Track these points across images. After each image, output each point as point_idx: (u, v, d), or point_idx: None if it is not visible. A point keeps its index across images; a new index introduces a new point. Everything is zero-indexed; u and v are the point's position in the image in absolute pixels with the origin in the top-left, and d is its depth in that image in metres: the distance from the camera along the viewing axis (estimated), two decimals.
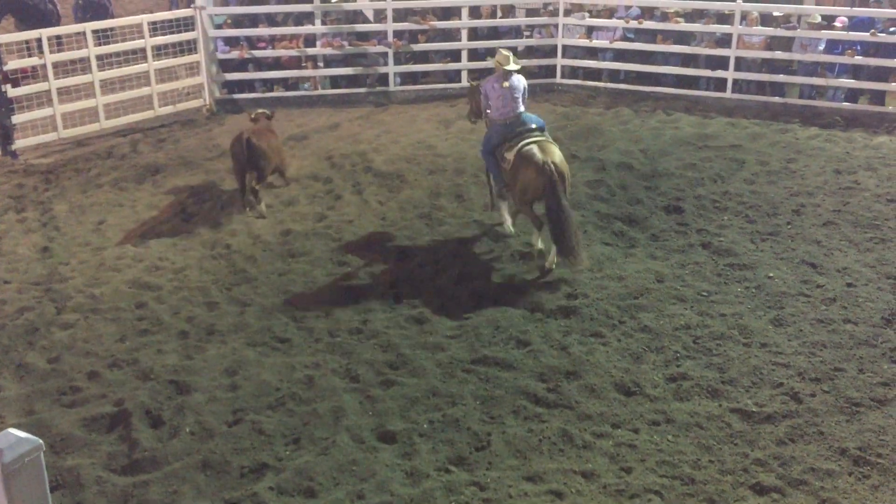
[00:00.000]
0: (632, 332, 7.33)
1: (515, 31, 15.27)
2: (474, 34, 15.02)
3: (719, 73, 14.15)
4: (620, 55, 14.74)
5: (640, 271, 8.38)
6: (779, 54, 13.80)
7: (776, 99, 13.94)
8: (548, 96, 14.62)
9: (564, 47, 14.95)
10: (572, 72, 15.19)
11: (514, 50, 15.02)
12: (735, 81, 14.10)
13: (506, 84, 8.78)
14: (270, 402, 6.44)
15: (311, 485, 5.54)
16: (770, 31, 13.80)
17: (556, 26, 14.87)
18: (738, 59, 13.95)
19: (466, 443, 5.94)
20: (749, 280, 8.20)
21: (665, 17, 14.54)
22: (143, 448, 5.93)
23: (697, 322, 7.44)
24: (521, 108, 8.86)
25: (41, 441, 1.81)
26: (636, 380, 6.63)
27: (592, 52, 15.01)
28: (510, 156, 8.57)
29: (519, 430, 6.05)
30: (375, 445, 5.94)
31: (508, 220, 9.32)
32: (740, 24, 13.77)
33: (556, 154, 8.39)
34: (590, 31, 14.89)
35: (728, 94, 14.12)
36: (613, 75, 14.94)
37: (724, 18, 14.23)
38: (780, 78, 13.93)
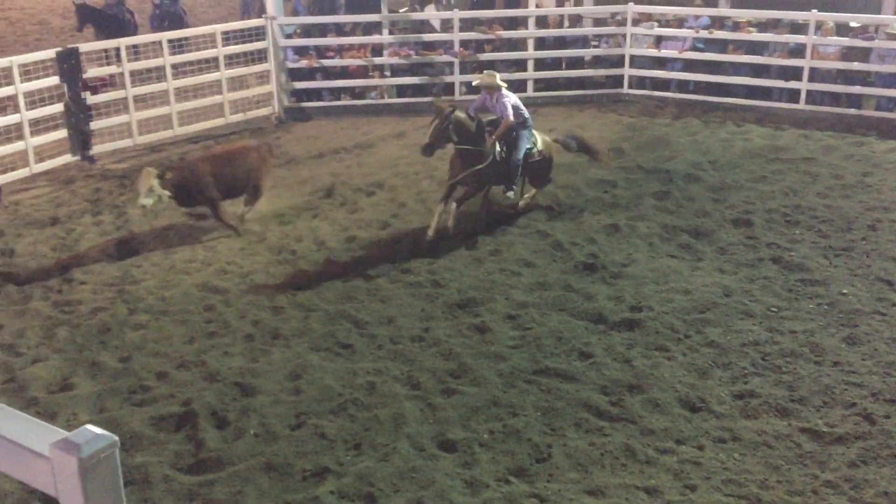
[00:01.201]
0: (698, 346, 7.19)
1: (582, 41, 15.19)
2: (541, 44, 14.99)
3: (792, 84, 13.83)
4: (690, 65, 14.53)
5: (707, 285, 8.22)
6: (855, 65, 13.42)
7: (851, 111, 13.55)
8: (614, 107, 14.50)
9: (632, 57, 14.80)
10: (640, 82, 15.02)
11: (580, 60, 15.08)
12: (809, 93, 13.76)
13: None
14: (333, 406, 6.50)
15: (372, 490, 5.56)
16: (846, 41, 13.44)
17: (624, 36, 14.74)
18: (812, 69, 13.62)
19: (527, 454, 5.90)
20: (821, 296, 7.97)
21: (737, 26, 14.28)
22: (209, 448, 6.05)
23: (766, 338, 7.26)
24: None
25: (117, 438, 1.85)
26: (702, 396, 6.50)
27: (661, 63, 14.83)
28: (538, 149, 9.98)
29: (580, 443, 5.98)
30: (435, 453, 5.94)
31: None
32: (815, 34, 13.44)
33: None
34: (658, 41, 14.72)
35: (801, 105, 13.78)
36: (682, 86, 14.74)
37: (798, 28, 13.90)
38: (856, 89, 13.54)
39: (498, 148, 9.57)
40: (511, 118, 9.49)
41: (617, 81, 15.03)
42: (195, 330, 7.78)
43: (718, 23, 14.41)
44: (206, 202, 9.73)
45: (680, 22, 14.75)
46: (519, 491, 5.54)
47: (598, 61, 15.20)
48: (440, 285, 8.42)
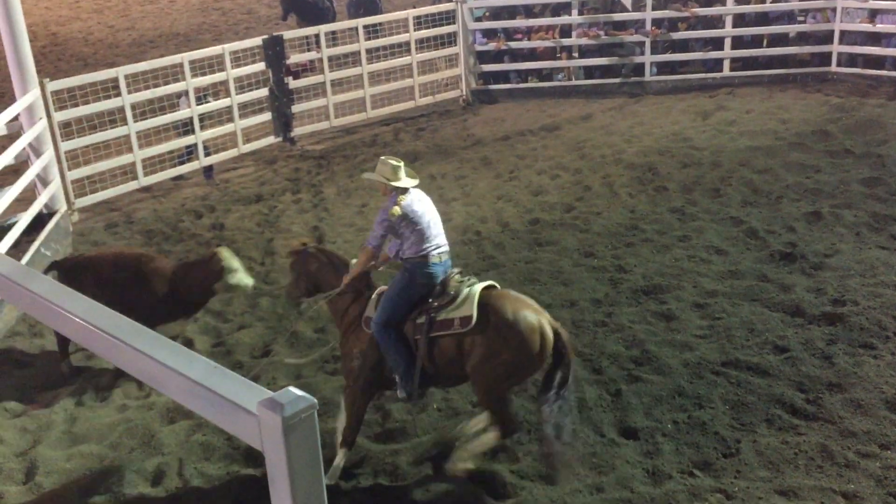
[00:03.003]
0: None
1: (787, 17, 14.26)
2: (740, 20, 14.22)
3: None
4: None
5: None
6: None
7: None
8: (819, 86, 13.54)
9: (843, 33, 13.73)
10: (850, 59, 13.90)
11: (783, 37, 14.14)
12: None
13: (418, 207, 5.53)
14: None
15: (551, 472, 5.56)
16: None
17: (834, 10, 13.70)
18: None
19: (713, 448, 5.68)
20: None
21: None
22: (395, 419, 6.28)
23: None
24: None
25: (315, 400, 1.96)
26: None
27: (875, 38, 13.64)
28: (460, 314, 5.33)
29: (772, 441, 5.68)
30: (616, 440, 5.85)
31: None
32: None
33: (537, 305, 5.50)
34: (873, 15, 13.56)
35: None
36: None
37: None
38: None
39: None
40: (369, 246, 5.62)
41: (824, 59, 14.00)
42: None
43: None
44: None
45: None
46: (704, 485, 5.35)
47: (803, 38, 14.22)
48: (625, 270, 8.25)
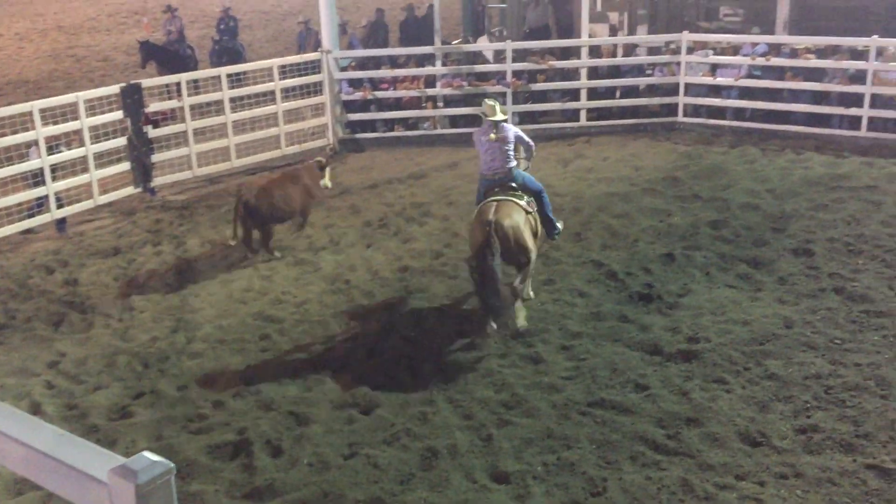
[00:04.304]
0: (758, 379, 7.01)
1: (637, 70, 15.13)
2: (594, 73, 14.97)
3: (854, 111, 13.53)
4: (746, 93, 14.33)
5: (767, 316, 8.03)
6: None
7: None
8: (669, 135, 14.37)
9: (687, 85, 14.68)
10: (695, 110, 14.87)
11: (634, 89, 14.98)
12: (871, 119, 13.44)
13: (493, 136, 8.22)
14: (385, 436, 6.49)
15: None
16: None
17: (679, 64, 14.64)
18: (874, 96, 13.31)
19: (581, 487, 5.80)
20: (887, 328, 7.71)
21: (794, 53, 14.07)
22: (264, 476, 6.08)
23: (829, 371, 7.05)
24: (512, 163, 8.32)
25: (173, 465, 1.87)
26: (762, 430, 6.32)
27: (716, 90, 14.66)
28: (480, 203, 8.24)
29: (637, 477, 5.86)
30: (488, 485, 5.88)
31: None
32: (876, 59, 13.16)
33: (512, 217, 7.92)
34: (714, 69, 14.58)
35: (863, 132, 13.46)
36: (739, 114, 14.53)
37: (858, 54, 13.63)
38: None
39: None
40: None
41: (671, 110, 14.91)
42: (251, 359, 7.87)
43: (775, 50, 14.22)
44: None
45: (735, 49, 14.59)
46: None
47: (652, 90, 15.11)
48: None
